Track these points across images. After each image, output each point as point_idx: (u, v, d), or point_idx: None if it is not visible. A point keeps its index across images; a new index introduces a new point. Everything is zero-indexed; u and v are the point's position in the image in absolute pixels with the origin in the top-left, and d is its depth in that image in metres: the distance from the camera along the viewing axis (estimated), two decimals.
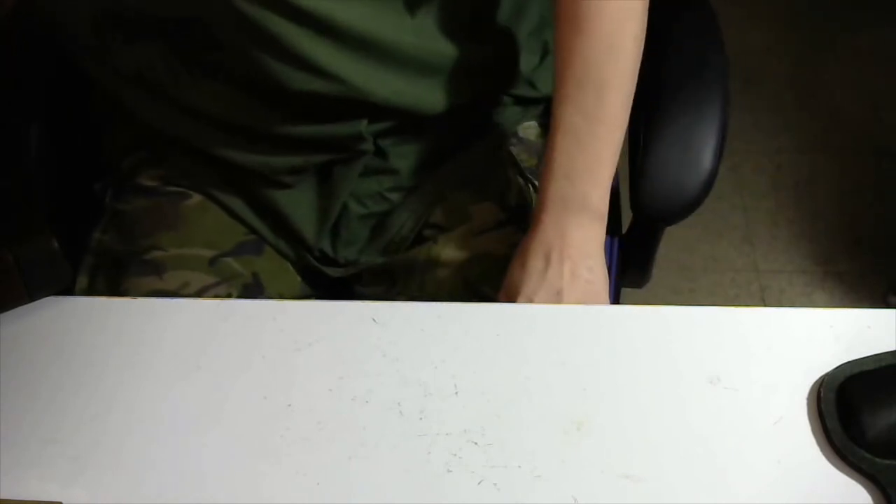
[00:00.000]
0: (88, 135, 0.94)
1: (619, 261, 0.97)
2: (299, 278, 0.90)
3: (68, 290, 0.68)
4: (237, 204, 0.87)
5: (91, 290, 0.84)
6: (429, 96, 0.81)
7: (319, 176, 0.85)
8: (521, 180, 0.87)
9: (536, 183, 0.86)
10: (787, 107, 2.00)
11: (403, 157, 0.85)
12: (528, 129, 0.91)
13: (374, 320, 0.65)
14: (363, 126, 0.81)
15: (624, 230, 0.98)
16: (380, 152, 0.84)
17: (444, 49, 0.80)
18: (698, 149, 0.81)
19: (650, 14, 0.74)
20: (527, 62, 0.88)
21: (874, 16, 2.11)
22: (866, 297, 1.68)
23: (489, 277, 0.80)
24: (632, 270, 0.99)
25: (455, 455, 0.58)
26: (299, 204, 0.85)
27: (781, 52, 2.10)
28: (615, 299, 0.95)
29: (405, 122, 0.82)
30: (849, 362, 0.60)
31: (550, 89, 0.87)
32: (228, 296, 0.83)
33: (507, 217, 0.85)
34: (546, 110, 0.91)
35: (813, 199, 1.84)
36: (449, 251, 0.83)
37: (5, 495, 0.57)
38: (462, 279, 0.81)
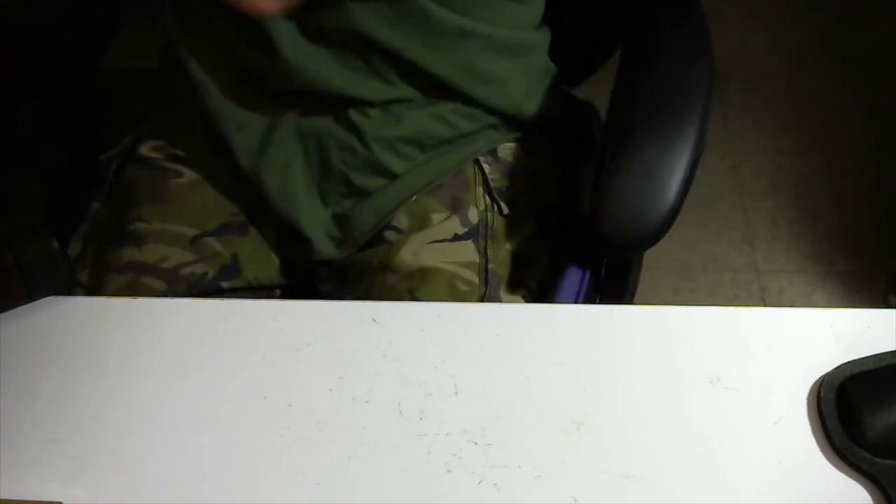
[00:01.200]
0: (91, 111, 0.95)
1: (588, 284, 0.88)
2: (277, 263, 0.90)
3: (68, 290, 0.68)
4: (226, 178, 0.88)
5: (82, 258, 0.86)
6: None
7: (309, 146, 0.85)
8: (487, 199, 0.87)
9: (501, 204, 0.87)
10: (787, 107, 2.00)
11: (386, 146, 0.85)
12: (507, 149, 0.91)
13: (374, 320, 0.65)
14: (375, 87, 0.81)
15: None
16: (360, 136, 0.84)
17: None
18: (663, 182, 0.76)
19: (636, 24, 0.72)
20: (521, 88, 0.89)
21: (874, 15, 2.12)
22: (866, 297, 1.68)
23: (432, 294, 0.80)
24: (609, 294, 0.90)
25: (455, 455, 0.58)
26: (287, 172, 0.86)
27: (781, 52, 2.10)
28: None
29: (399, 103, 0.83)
30: (849, 362, 0.60)
31: (537, 113, 0.89)
32: (204, 274, 0.84)
33: (466, 232, 0.84)
34: (529, 133, 0.92)
35: (813, 199, 1.84)
36: (402, 256, 0.83)
37: (5, 495, 0.57)
38: (408, 289, 0.81)
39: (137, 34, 1.06)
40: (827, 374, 0.60)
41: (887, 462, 0.55)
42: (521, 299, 0.85)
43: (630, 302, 0.91)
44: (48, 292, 0.67)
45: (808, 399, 0.60)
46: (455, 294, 0.81)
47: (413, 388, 0.61)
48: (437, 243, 0.83)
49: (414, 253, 0.82)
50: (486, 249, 0.84)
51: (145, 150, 0.90)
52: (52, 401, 0.62)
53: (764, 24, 2.14)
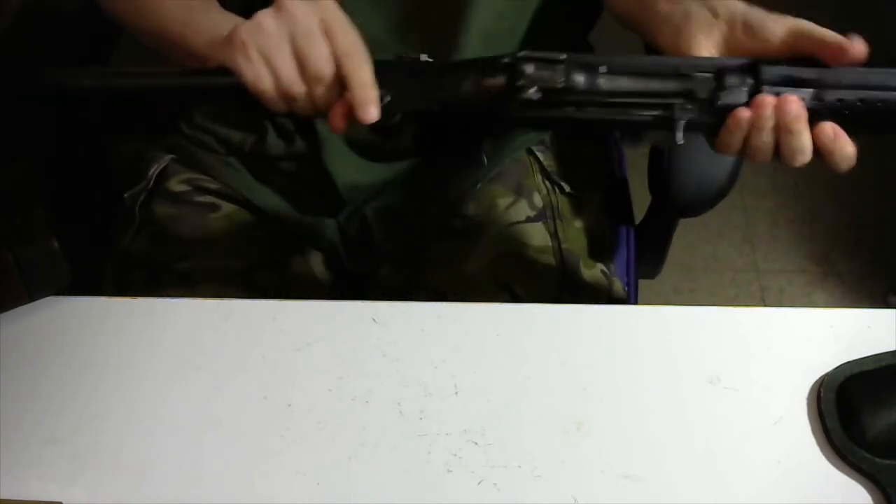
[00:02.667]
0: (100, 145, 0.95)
1: (635, 250, 0.98)
2: (331, 281, 0.90)
3: (68, 290, 0.68)
4: (265, 195, 0.87)
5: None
6: None
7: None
8: (547, 183, 0.88)
9: (562, 183, 0.88)
10: None
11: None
12: (553, 135, 0.92)
13: (374, 320, 0.65)
14: None
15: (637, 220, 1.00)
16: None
17: None
18: None
19: None
20: None
21: (874, 15, 2.11)
22: (866, 297, 1.68)
23: (514, 277, 0.81)
24: (647, 260, 1.01)
25: (455, 455, 0.58)
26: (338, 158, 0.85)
27: None
28: (634, 289, 0.96)
29: None
30: (849, 362, 0.60)
31: None
32: None
33: (535, 215, 0.85)
34: None
35: (813, 199, 1.84)
36: (483, 242, 0.83)
37: (5, 495, 0.57)
38: (491, 275, 0.81)
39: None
40: (827, 374, 0.60)
41: (887, 462, 0.55)
42: (600, 275, 0.86)
43: (664, 260, 1.04)
44: (48, 292, 0.67)
45: (808, 399, 0.60)
46: (535, 276, 0.82)
47: (413, 388, 0.61)
48: (513, 226, 0.84)
49: (494, 238, 0.83)
50: (556, 230, 0.85)
51: (174, 185, 0.87)
52: (52, 401, 0.61)
53: None
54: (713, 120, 0.57)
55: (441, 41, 0.78)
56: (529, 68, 0.59)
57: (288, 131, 0.85)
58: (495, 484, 0.56)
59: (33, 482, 0.57)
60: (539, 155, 0.89)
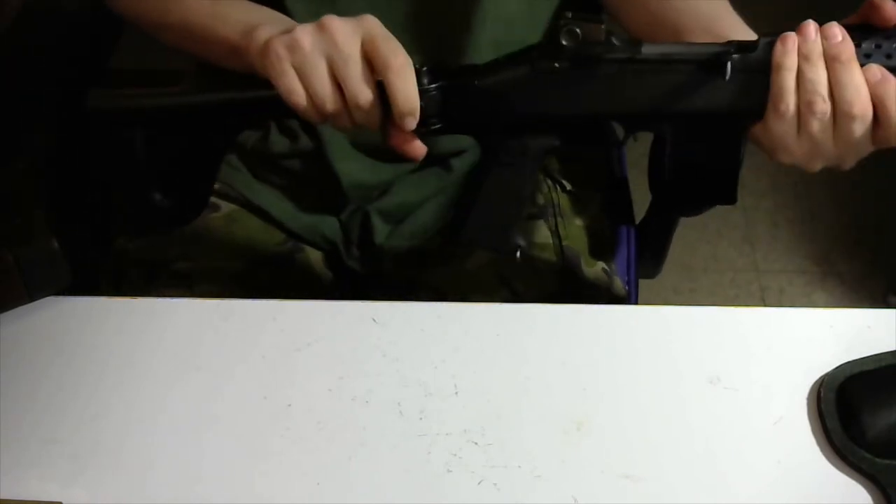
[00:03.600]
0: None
1: (635, 249, 0.99)
2: (331, 280, 0.90)
3: (68, 290, 0.68)
4: (266, 194, 0.87)
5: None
6: None
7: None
8: (549, 181, 0.89)
9: (563, 182, 0.88)
10: None
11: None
12: None
13: (374, 320, 0.65)
14: None
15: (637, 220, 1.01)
16: None
17: None
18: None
19: None
20: None
21: None
22: (866, 297, 1.68)
23: (517, 274, 0.81)
24: (647, 259, 1.01)
25: (455, 455, 0.58)
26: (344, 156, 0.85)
27: None
28: (634, 288, 0.97)
29: None
30: (849, 362, 0.60)
31: None
32: None
33: (537, 213, 0.86)
34: None
35: (813, 199, 1.84)
36: None
37: (5, 495, 0.57)
38: (495, 271, 0.82)
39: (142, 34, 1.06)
40: (827, 374, 0.60)
41: (887, 462, 0.55)
42: (602, 272, 0.86)
43: (664, 259, 1.04)
44: (48, 292, 0.67)
45: (808, 399, 0.60)
46: (537, 273, 0.82)
47: (413, 388, 0.61)
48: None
49: None
50: (556, 227, 0.85)
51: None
52: (52, 401, 0.61)
53: (764, 24, 2.13)
54: (761, 58, 0.56)
55: (450, 52, 0.78)
56: (570, 26, 0.58)
57: (292, 129, 0.85)
58: (495, 484, 0.56)
59: (33, 482, 0.57)
60: None
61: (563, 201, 0.88)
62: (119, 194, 0.83)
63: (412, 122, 0.59)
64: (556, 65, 0.59)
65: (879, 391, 0.58)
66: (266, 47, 0.59)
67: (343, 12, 0.60)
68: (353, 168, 0.84)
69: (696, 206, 0.88)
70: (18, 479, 0.57)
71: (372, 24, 0.59)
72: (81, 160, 0.95)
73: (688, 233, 1.78)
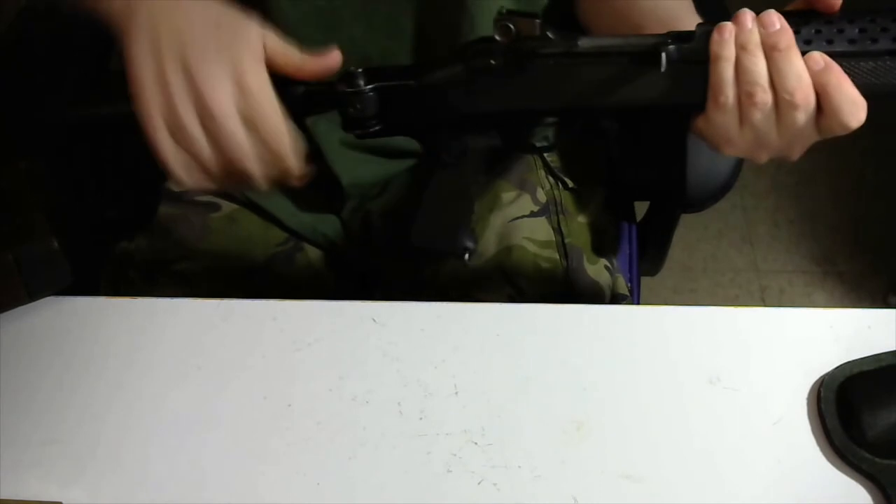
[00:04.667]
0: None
1: (636, 247, 0.99)
2: (333, 279, 0.90)
3: (68, 290, 0.68)
4: (268, 194, 0.86)
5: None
6: None
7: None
8: (551, 178, 0.89)
9: (566, 179, 0.88)
10: None
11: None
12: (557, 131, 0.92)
13: (374, 320, 0.65)
14: None
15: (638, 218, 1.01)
16: None
17: None
18: None
19: None
20: None
21: None
22: (866, 297, 1.68)
23: (519, 271, 0.81)
24: (648, 257, 1.02)
25: (455, 455, 0.58)
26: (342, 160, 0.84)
27: None
28: (636, 286, 0.97)
29: None
30: (849, 362, 0.60)
31: None
32: None
33: (539, 210, 0.86)
34: None
35: (813, 199, 1.84)
36: (487, 237, 0.83)
37: (5, 495, 0.57)
38: (497, 267, 0.82)
39: None
40: (827, 374, 0.60)
41: (887, 462, 0.55)
42: (604, 270, 0.86)
43: (665, 257, 1.04)
44: (48, 292, 0.67)
45: (808, 399, 0.60)
46: (540, 270, 0.82)
47: (413, 388, 0.61)
48: (516, 220, 0.84)
49: (498, 233, 0.83)
50: (559, 225, 0.85)
51: (174, 184, 0.88)
52: (52, 401, 0.62)
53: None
54: (698, 48, 0.54)
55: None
56: (504, 21, 0.56)
57: None
58: (495, 484, 0.56)
59: (33, 482, 0.57)
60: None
61: (565, 198, 0.88)
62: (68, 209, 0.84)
63: (303, 179, 0.60)
64: (492, 62, 0.58)
65: (879, 391, 0.58)
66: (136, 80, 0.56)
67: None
68: (350, 166, 0.84)
69: (699, 201, 0.89)
70: (18, 479, 0.57)
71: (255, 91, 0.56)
72: (81, 161, 0.95)
73: (688, 233, 1.78)
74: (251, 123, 0.56)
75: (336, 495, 0.56)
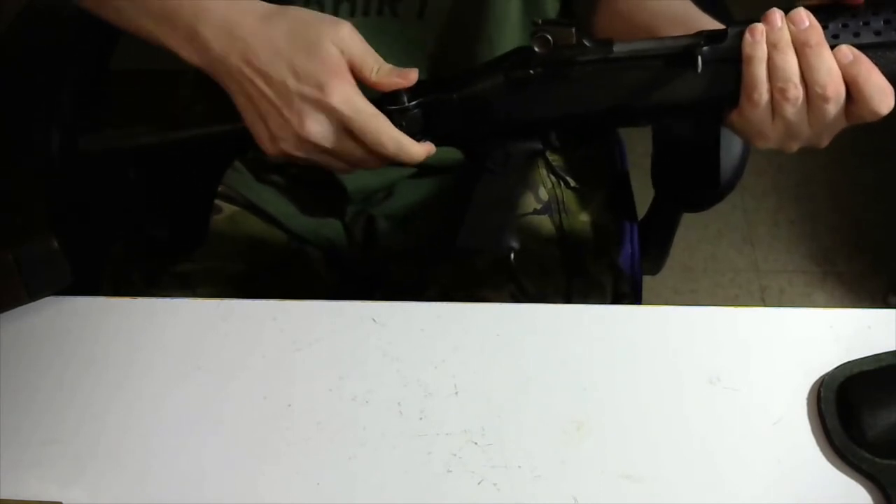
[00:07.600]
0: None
1: (638, 246, 1.00)
2: (335, 282, 0.90)
3: (68, 290, 0.68)
4: (268, 196, 0.87)
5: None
6: None
7: None
8: (552, 177, 0.89)
9: (567, 178, 0.88)
10: None
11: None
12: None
13: (374, 320, 0.65)
14: None
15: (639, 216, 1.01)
16: None
17: None
18: (730, 134, 0.83)
19: None
20: None
21: None
22: (866, 297, 1.68)
23: (526, 271, 0.81)
24: (650, 256, 1.02)
25: (455, 455, 0.58)
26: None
27: None
28: (639, 284, 0.97)
29: None
30: (849, 362, 0.60)
31: None
32: None
33: (542, 208, 0.86)
34: None
35: (813, 199, 1.84)
36: None
37: (5, 495, 0.57)
38: (504, 267, 0.82)
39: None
40: (827, 374, 0.60)
41: (887, 462, 0.55)
42: (606, 269, 0.86)
43: (667, 256, 1.06)
44: (48, 292, 0.67)
45: (808, 399, 0.60)
46: (544, 270, 0.82)
47: (413, 388, 0.61)
48: (520, 219, 0.85)
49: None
50: (561, 223, 0.86)
51: None
52: (52, 401, 0.61)
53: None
54: (731, 45, 0.56)
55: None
56: (541, 33, 0.58)
57: None
58: (495, 484, 0.56)
59: (33, 482, 0.57)
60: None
61: (568, 197, 0.88)
62: (120, 230, 0.84)
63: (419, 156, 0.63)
64: (531, 72, 0.59)
65: (879, 391, 0.58)
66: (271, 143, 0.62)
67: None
68: (356, 173, 0.84)
69: (687, 194, 0.90)
70: (18, 479, 0.57)
71: (342, 102, 0.60)
72: (81, 162, 0.95)
73: (688, 233, 1.78)
74: (352, 133, 0.61)
75: (336, 495, 0.56)
